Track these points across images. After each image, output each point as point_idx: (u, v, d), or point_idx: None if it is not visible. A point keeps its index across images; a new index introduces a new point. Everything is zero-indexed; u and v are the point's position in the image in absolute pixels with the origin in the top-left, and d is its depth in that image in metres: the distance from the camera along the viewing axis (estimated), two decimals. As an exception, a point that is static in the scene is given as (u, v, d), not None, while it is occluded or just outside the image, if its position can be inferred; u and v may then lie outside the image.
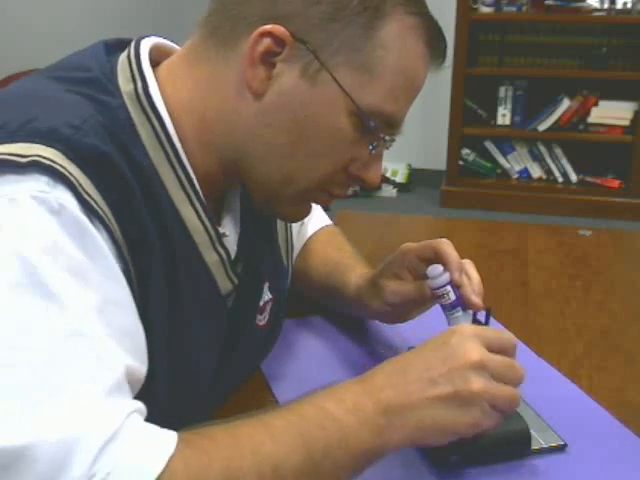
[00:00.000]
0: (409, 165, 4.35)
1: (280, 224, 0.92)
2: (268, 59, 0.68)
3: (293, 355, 0.97)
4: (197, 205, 0.71)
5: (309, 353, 0.99)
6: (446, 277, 0.83)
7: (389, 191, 4.19)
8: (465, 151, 4.05)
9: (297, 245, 1.05)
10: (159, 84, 0.70)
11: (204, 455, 0.56)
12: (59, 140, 0.59)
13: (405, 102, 0.73)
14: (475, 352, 0.67)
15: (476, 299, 0.83)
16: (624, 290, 1.23)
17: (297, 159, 0.71)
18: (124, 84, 0.69)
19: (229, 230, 0.80)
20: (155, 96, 0.69)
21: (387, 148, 0.75)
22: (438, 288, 0.83)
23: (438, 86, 4.13)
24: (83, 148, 0.60)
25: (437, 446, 0.74)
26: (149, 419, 0.58)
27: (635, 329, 1.07)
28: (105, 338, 0.56)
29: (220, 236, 0.75)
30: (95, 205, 0.59)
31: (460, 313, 0.83)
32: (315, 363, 0.96)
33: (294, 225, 1.00)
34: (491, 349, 0.68)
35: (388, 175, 4.29)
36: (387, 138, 0.73)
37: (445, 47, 0.74)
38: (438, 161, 4.11)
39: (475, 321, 0.97)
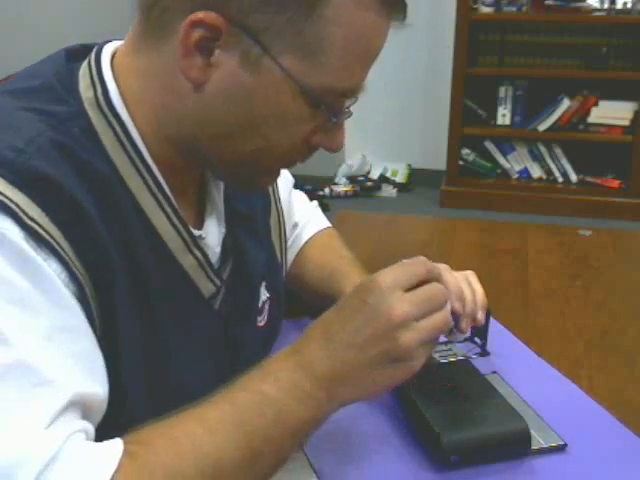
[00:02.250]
0: (409, 165, 4.34)
1: (274, 220, 0.91)
2: (205, 45, 0.64)
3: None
4: (168, 209, 0.70)
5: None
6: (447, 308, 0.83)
7: (389, 191, 4.19)
8: (465, 151, 4.04)
9: (293, 249, 1.04)
10: (118, 84, 0.69)
11: (146, 467, 0.56)
12: (0, 164, 0.58)
13: (361, 73, 0.69)
14: (397, 308, 0.65)
15: (466, 326, 0.84)
16: (624, 290, 1.23)
17: (251, 143, 0.69)
18: (85, 90, 0.67)
19: (212, 231, 0.79)
20: (116, 101, 0.68)
21: (349, 116, 0.72)
22: None
23: (438, 86, 4.13)
24: (26, 171, 0.59)
25: (437, 446, 0.74)
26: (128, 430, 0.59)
27: (635, 329, 1.07)
28: (52, 366, 0.55)
29: (195, 239, 0.73)
30: (41, 230, 0.58)
31: (456, 334, 0.84)
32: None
33: (288, 227, 1.00)
34: (409, 286, 0.67)
35: (388, 175, 4.29)
36: (347, 106, 0.71)
37: (404, 6, 0.68)
38: (438, 161, 4.10)
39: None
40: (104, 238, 0.63)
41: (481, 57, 3.93)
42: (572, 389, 0.90)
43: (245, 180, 0.76)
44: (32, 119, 0.64)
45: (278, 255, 0.92)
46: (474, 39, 3.85)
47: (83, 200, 0.61)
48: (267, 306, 0.88)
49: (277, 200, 0.94)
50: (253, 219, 0.87)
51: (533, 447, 0.77)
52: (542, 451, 0.78)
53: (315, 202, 1.14)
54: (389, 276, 0.68)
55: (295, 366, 0.65)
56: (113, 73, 0.69)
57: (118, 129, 0.67)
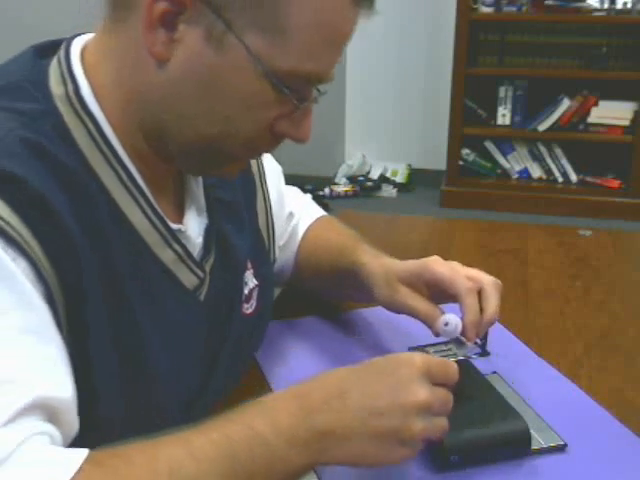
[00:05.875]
0: (409, 165, 4.35)
1: (260, 206, 0.91)
2: (169, 20, 0.63)
3: (294, 355, 0.97)
4: (143, 204, 0.69)
5: (310, 353, 0.98)
6: (456, 331, 0.85)
7: (389, 191, 4.19)
8: (465, 151, 4.05)
9: (294, 239, 1.04)
10: (89, 78, 0.68)
11: (114, 475, 0.53)
12: None
13: (327, 57, 0.67)
14: (422, 392, 0.64)
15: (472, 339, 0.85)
16: (624, 290, 1.23)
17: (215, 126, 0.67)
18: (55, 87, 0.67)
19: (192, 222, 0.78)
20: (87, 96, 0.67)
21: (316, 102, 0.71)
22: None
23: (438, 86, 4.13)
24: None
25: (436, 446, 0.74)
26: (106, 433, 0.57)
27: (635, 329, 1.07)
28: (16, 366, 0.54)
29: (173, 232, 0.73)
30: (9, 229, 0.56)
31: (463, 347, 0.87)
32: (316, 363, 0.96)
33: (283, 216, 1.00)
34: (435, 382, 0.67)
35: (388, 175, 4.29)
36: (315, 92, 0.70)
37: None
38: (438, 161, 4.10)
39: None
40: (75, 237, 0.61)
41: (481, 57, 3.93)
42: (572, 389, 0.90)
43: (210, 168, 0.75)
44: (1, 118, 0.63)
45: (266, 242, 0.92)
46: (474, 39, 3.85)
47: (53, 198, 0.60)
48: (255, 294, 0.87)
49: (263, 184, 0.93)
50: (236, 206, 0.86)
51: (533, 447, 0.77)
52: (542, 451, 0.78)
53: (309, 195, 1.14)
54: (426, 363, 0.67)
55: (296, 411, 0.62)
56: (83, 67, 0.69)
57: (90, 125, 0.66)
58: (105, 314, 0.65)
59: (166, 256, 0.72)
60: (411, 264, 0.90)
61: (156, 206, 0.71)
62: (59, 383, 0.58)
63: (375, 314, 1.06)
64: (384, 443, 0.63)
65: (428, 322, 0.87)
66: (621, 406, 0.86)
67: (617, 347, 1.02)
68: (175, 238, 0.73)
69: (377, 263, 0.93)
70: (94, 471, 0.52)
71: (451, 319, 0.84)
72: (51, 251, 0.59)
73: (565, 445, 0.78)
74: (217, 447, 0.58)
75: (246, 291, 0.86)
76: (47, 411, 0.56)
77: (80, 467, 0.52)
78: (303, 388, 0.65)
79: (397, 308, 0.91)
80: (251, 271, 0.87)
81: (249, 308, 0.87)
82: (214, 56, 0.64)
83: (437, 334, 0.87)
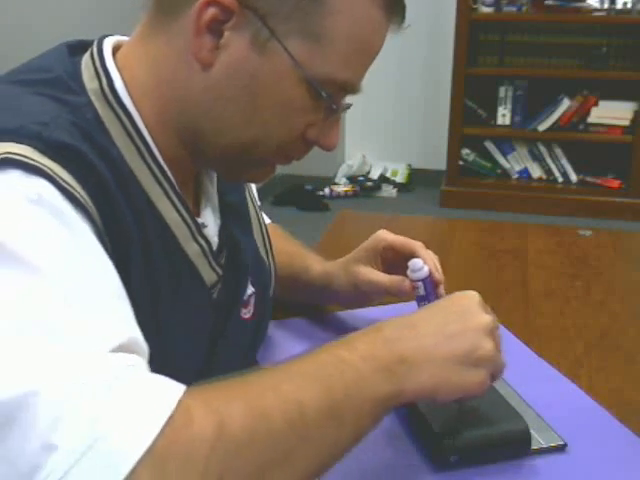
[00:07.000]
0: (409, 165, 4.35)
1: (253, 218, 0.92)
2: (215, 27, 0.66)
3: (295, 355, 0.97)
4: (174, 198, 0.71)
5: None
6: (425, 272, 0.90)
7: (389, 191, 4.19)
8: (465, 151, 4.05)
9: None
10: (122, 76, 0.70)
11: (222, 393, 0.54)
12: (28, 136, 0.59)
13: (360, 68, 0.71)
14: (487, 316, 0.69)
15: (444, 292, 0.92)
16: (624, 290, 1.23)
17: (251, 130, 0.70)
18: (89, 82, 0.68)
19: (209, 220, 0.80)
20: (121, 91, 0.69)
21: (345, 111, 0.74)
22: (416, 281, 0.91)
23: (438, 86, 4.14)
24: (54, 142, 0.60)
25: (437, 446, 0.74)
26: None
27: (635, 329, 1.07)
28: (111, 310, 0.55)
29: (200, 227, 0.75)
30: (76, 193, 0.58)
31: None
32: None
33: None
34: None
35: (388, 175, 4.29)
36: (344, 103, 0.73)
37: (403, 7, 0.71)
38: (438, 161, 4.11)
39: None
40: (124, 213, 0.64)
41: (481, 57, 3.93)
42: (572, 389, 0.90)
43: (241, 172, 0.77)
44: (48, 102, 0.65)
45: (262, 252, 0.92)
46: (474, 39, 3.86)
47: (107, 176, 0.63)
48: (252, 300, 0.88)
49: (253, 198, 0.95)
50: (243, 209, 0.88)
51: (533, 447, 0.77)
52: (542, 451, 0.78)
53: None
54: (479, 296, 0.72)
55: (373, 339, 0.64)
56: (116, 65, 0.70)
57: (124, 118, 0.68)
58: (141, 290, 0.67)
59: (191, 249, 0.74)
60: (362, 245, 1.00)
61: (185, 200, 0.73)
62: (139, 332, 0.58)
63: (374, 314, 1.06)
64: (459, 365, 0.66)
65: (395, 289, 0.94)
66: (621, 406, 0.86)
67: (617, 347, 1.02)
68: (200, 232, 0.75)
69: (329, 263, 1.02)
70: (201, 390, 0.53)
71: (418, 260, 0.91)
72: (107, 222, 0.62)
73: (565, 445, 0.78)
74: (309, 371, 0.59)
75: (244, 296, 0.86)
76: (139, 354, 0.56)
77: (187, 389, 0.52)
78: (373, 326, 0.66)
79: (361, 289, 0.97)
80: (249, 278, 0.87)
81: (247, 313, 0.87)
82: (257, 61, 0.67)
83: (406, 292, 0.93)
